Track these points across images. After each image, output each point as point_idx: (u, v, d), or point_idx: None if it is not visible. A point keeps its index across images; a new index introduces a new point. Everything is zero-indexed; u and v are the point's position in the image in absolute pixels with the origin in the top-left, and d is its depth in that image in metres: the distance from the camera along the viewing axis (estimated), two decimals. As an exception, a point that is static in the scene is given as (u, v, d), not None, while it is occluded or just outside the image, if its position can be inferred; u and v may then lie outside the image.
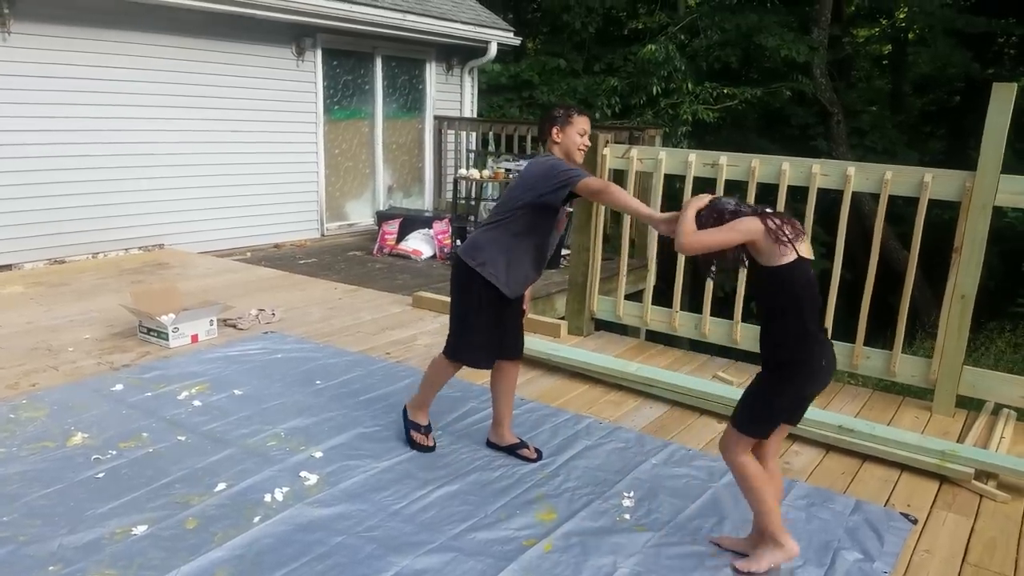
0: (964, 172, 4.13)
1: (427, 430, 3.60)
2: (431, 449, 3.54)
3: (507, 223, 3.24)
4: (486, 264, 3.24)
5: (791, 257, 2.49)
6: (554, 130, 3.30)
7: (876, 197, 4.43)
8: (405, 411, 3.65)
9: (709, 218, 2.57)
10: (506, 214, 3.25)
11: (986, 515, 3.23)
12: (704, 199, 2.63)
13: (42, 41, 6.58)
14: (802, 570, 2.74)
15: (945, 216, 7.88)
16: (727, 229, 2.50)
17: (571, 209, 3.47)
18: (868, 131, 14.46)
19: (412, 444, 3.56)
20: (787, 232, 2.48)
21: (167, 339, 4.82)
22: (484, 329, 3.32)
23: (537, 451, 3.55)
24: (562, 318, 5.76)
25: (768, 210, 2.59)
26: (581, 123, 3.31)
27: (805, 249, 2.53)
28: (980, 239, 4.05)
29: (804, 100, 14.15)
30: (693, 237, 2.53)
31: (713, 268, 2.69)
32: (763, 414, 2.65)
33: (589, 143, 3.37)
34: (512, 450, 3.54)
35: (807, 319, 2.55)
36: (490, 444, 3.61)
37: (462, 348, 3.37)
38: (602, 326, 5.63)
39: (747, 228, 2.49)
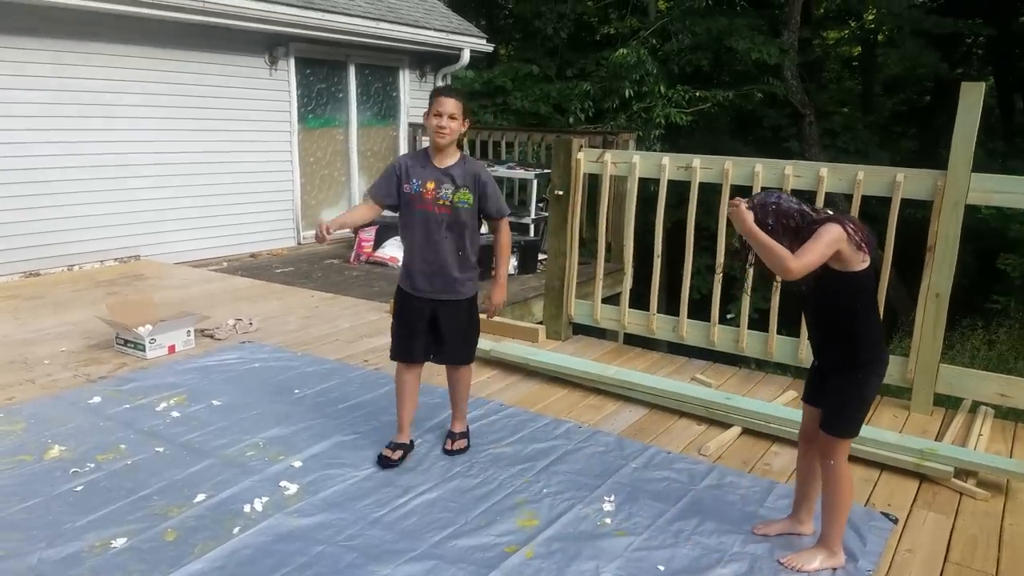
0: (935, 171, 4.19)
1: (396, 447, 3.53)
2: (389, 461, 3.46)
3: (400, 220, 3.43)
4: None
5: (867, 262, 2.55)
6: (424, 116, 3.36)
7: (850, 198, 4.48)
8: None
9: (779, 224, 2.54)
10: (400, 212, 3.41)
11: (966, 513, 3.26)
12: (742, 208, 2.55)
13: (12, 53, 6.49)
14: (786, 572, 2.76)
15: (918, 215, 7.98)
16: (822, 244, 2.46)
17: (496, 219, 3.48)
18: (840, 132, 14.63)
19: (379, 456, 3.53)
20: (867, 239, 2.52)
21: (144, 350, 4.77)
22: (400, 323, 3.48)
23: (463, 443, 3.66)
24: (540, 323, 5.77)
25: (828, 212, 2.61)
26: (436, 105, 3.25)
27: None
28: (953, 237, 4.10)
29: (776, 102, 14.29)
30: (799, 262, 2.45)
31: (751, 263, 2.70)
32: (860, 412, 2.70)
33: (446, 125, 3.23)
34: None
35: (877, 318, 2.69)
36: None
37: (393, 340, 3.55)
38: (580, 330, 5.64)
39: (836, 238, 2.48)
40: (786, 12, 13.82)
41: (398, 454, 3.49)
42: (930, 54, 14.36)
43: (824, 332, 2.76)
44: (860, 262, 2.54)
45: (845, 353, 2.68)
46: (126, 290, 6.39)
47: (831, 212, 2.62)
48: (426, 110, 3.32)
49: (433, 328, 3.46)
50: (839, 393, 2.70)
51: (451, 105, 3.23)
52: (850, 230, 2.50)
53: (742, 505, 3.22)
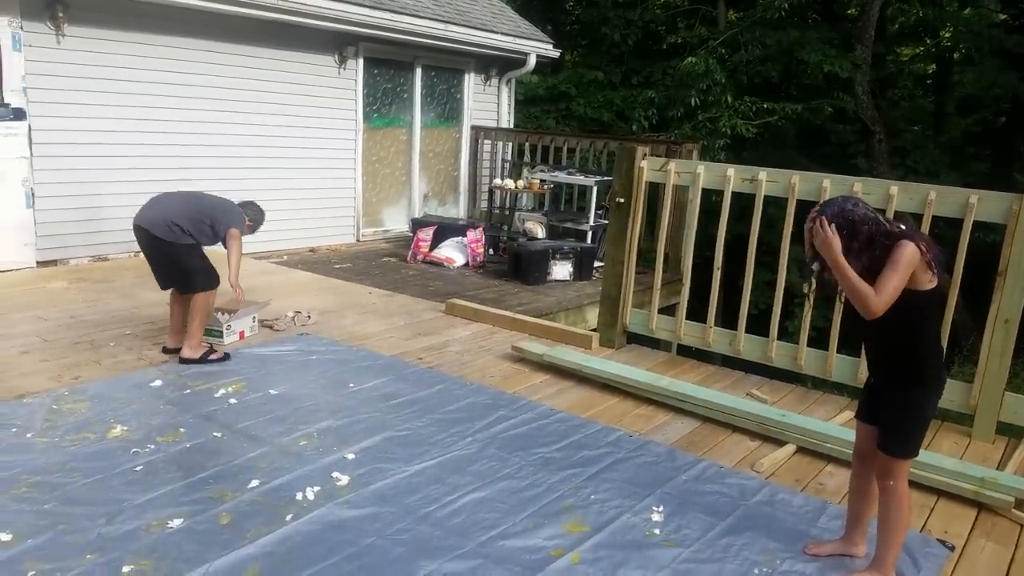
0: (1011, 194, 4.07)
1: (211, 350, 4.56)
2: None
3: None
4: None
5: (935, 282, 2.51)
6: None
7: (919, 218, 4.37)
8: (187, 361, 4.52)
9: (857, 231, 2.48)
10: None
11: (1026, 545, 3.16)
12: (828, 232, 2.48)
13: (94, 44, 6.73)
14: (834, 592, 2.71)
15: (988, 239, 7.74)
16: (900, 270, 2.42)
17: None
18: (910, 151, 14.26)
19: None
20: (935, 256, 2.49)
21: (221, 337, 4.92)
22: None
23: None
24: (594, 330, 5.75)
25: (901, 227, 2.55)
26: None
27: None
28: (1025, 263, 3.98)
29: (845, 117, 14.01)
30: (882, 298, 2.42)
31: (815, 277, 2.69)
32: (920, 431, 2.67)
33: None
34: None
35: (939, 337, 2.68)
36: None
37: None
38: (634, 339, 5.61)
39: (911, 259, 2.43)
40: (859, 26, 13.54)
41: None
42: (1008, 73, 13.90)
43: (885, 348, 2.70)
44: (928, 281, 2.50)
45: (906, 371, 2.63)
46: (191, 278, 6.55)
47: (903, 226, 2.56)
48: None
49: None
50: (899, 412, 2.65)
51: None
52: (923, 247, 2.45)
53: (793, 523, 3.16)
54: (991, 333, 4.12)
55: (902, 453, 2.64)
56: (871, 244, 2.49)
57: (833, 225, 2.49)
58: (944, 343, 4.29)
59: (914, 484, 3.55)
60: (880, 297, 2.43)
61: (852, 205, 2.53)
